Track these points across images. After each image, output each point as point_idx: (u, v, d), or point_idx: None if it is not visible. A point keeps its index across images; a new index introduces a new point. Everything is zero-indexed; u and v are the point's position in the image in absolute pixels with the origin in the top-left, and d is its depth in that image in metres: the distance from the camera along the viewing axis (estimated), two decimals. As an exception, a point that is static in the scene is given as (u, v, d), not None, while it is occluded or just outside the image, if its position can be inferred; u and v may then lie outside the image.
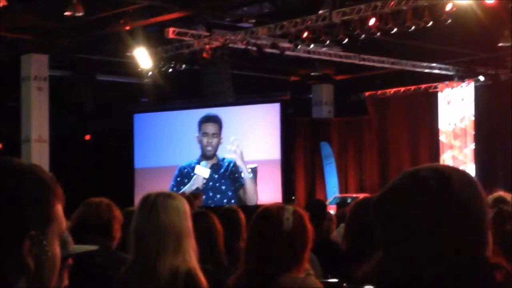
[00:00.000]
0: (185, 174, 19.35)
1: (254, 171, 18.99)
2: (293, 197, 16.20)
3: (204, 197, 18.96)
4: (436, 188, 1.56)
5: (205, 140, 19.19)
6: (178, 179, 19.41)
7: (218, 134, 19.23)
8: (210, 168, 19.16)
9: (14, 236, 1.51)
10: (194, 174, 19.16)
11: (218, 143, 19.21)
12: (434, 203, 1.55)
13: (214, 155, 19.18)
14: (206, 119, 19.32)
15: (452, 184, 1.57)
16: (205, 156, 19.17)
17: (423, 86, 22.08)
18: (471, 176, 1.64)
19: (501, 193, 3.65)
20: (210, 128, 19.28)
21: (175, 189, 18.82)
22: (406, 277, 1.55)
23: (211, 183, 19.12)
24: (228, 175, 19.05)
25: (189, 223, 3.49)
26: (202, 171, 19.11)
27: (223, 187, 19.04)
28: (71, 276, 2.28)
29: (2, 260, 1.51)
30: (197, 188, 18.98)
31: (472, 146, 20.95)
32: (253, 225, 3.19)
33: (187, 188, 18.73)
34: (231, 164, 19.03)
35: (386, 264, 1.59)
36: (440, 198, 1.55)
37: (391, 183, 1.64)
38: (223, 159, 19.09)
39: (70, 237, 2.24)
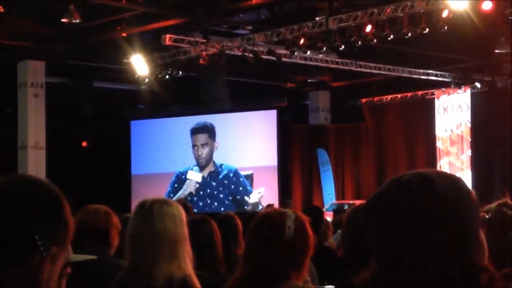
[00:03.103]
0: (183, 180, 19.36)
1: (250, 177, 18.99)
2: (289, 200, 16.24)
3: (201, 203, 18.97)
4: (418, 191, 1.57)
5: (195, 152, 19.24)
6: (176, 185, 19.42)
7: (208, 143, 19.22)
8: (208, 175, 19.15)
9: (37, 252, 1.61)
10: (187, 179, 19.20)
11: (211, 151, 19.20)
12: (416, 206, 1.56)
13: (207, 164, 19.18)
14: (195, 131, 19.35)
15: (434, 187, 1.57)
16: (199, 166, 19.22)
17: (419, 92, 22.10)
18: (460, 181, 1.64)
19: (508, 199, 3.63)
20: (199, 139, 19.30)
21: (172, 195, 18.82)
22: (396, 281, 1.56)
23: (208, 190, 19.11)
24: (227, 184, 19.03)
25: (184, 230, 3.48)
26: (194, 176, 19.13)
27: (221, 195, 19.02)
28: (69, 283, 2.27)
29: (19, 274, 1.58)
30: (190, 193, 18.98)
31: (468, 152, 20.97)
32: (254, 231, 3.12)
33: (180, 194, 18.72)
34: (231, 174, 19.01)
35: (377, 269, 1.60)
36: (422, 201, 1.56)
37: (378, 189, 1.65)
38: (221, 165, 19.08)
39: (69, 245, 2.24)
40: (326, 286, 5.49)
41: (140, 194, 17.21)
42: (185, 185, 19.17)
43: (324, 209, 15.48)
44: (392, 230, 1.57)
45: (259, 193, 18.66)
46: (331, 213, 15.67)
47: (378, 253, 1.61)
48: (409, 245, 1.55)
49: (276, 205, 16.94)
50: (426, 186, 1.57)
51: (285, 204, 15.35)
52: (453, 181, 1.62)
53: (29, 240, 1.60)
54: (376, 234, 1.61)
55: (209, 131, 19.27)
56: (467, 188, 1.63)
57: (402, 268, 1.55)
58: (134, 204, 4.63)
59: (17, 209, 1.62)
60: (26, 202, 1.63)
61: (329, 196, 21.71)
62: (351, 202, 18.72)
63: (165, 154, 19.69)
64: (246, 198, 18.79)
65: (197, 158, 19.19)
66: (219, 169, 19.09)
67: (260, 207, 18.03)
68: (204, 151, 19.18)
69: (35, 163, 17.12)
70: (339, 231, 7.38)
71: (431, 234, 1.54)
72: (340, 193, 22.41)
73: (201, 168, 19.15)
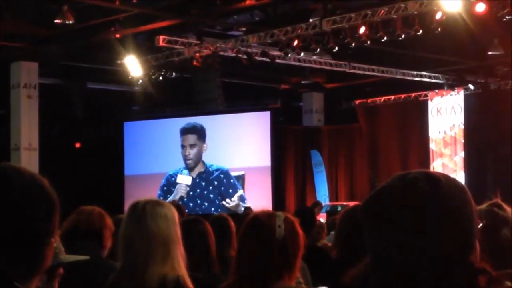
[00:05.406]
0: (172, 182, 19.35)
1: (241, 178, 18.99)
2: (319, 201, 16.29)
3: (191, 204, 18.95)
4: (426, 190, 1.56)
5: (183, 152, 19.23)
6: (165, 188, 19.43)
7: (197, 144, 19.20)
8: (198, 175, 19.15)
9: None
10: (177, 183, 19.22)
11: (199, 152, 19.19)
12: (423, 205, 1.55)
13: (195, 166, 19.17)
14: (184, 131, 19.33)
15: (441, 187, 1.57)
16: (187, 167, 19.22)
17: (413, 94, 22.14)
18: (461, 183, 1.65)
19: (498, 200, 3.65)
20: (188, 139, 19.29)
21: (162, 198, 18.79)
22: (391, 279, 1.55)
23: (198, 190, 19.10)
24: (217, 185, 19.02)
25: (177, 231, 3.48)
26: (184, 179, 19.13)
27: (211, 196, 19.01)
28: (62, 284, 2.27)
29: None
30: (181, 197, 18.97)
31: (462, 154, 21.01)
32: (245, 233, 3.13)
33: (171, 198, 18.70)
34: (221, 175, 18.99)
35: (373, 266, 1.59)
36: (429, 200, 1.55)
37: (381, 185, 1.64)
38: (211, 165, 19.08)
39: (62, 246, 2.24)
40: (320, 287, 5.49)
41: (133, 195, 17.17)
42: (175, 189, 19.17)
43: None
44: (395, 227, 1.55)
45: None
46: (325, 214, 15.69)
47: (376, 250, 1.59)
48: (410, 242, 1.54)
49: (269, 207, 16.96)
50: (434, 185, 1.57)
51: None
52: (456, 183, 1.63)
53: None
54: (376, 231, 1.59)
55: (198, 132, 19.25)
56: (467, 191, 1.63)
57: (400, 265, 1.54)
58: (127, 205, 4.62)
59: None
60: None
61: (322, 198, 21.70)
62: (344, 203, 18.74)
63: (158, 155, 19.68)
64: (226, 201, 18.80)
65: (185, 159, 19.21)
66: (209, 170, 19.08)
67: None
68: (192, 152, 19.16)
69: (28, 164, 17.06)
70: (333, 232, 7.39)
71: (436, 233, 1.54)
72: (334, 195, 22.43)
73: (190, 169, 19.15)
